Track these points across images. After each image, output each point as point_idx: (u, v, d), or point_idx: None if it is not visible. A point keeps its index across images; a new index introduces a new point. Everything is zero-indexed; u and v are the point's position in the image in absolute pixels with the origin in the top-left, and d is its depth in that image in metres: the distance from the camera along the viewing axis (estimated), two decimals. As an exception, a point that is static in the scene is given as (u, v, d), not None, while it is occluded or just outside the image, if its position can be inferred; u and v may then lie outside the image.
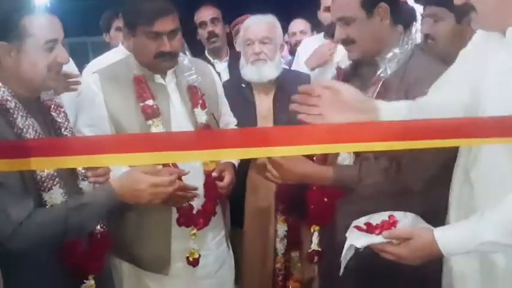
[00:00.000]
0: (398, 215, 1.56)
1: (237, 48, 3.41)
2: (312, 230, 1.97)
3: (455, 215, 1.55)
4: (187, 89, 2.08)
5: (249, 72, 2.52)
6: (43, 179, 1.58)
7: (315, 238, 1.96)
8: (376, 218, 1.56)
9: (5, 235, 1.49)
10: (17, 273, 1.59)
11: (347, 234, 1.54)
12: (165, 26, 1.91)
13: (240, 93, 2.56)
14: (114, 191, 1.69)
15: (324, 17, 3.40)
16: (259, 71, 2.49)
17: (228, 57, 3.33)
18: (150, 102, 1.98)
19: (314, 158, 1.90)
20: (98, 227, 1.78)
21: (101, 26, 3.63)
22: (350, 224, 1.66)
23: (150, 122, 1.96)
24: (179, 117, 2.05)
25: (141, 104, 1.97)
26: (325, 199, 1.86)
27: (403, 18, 1.84)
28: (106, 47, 3.54)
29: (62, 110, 1.78)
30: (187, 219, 1.99)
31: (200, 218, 2.02)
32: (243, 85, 2.58)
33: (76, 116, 2.02)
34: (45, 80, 1.64)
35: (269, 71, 2.48)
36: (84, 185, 1.75)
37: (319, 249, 1.96)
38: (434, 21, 2.08)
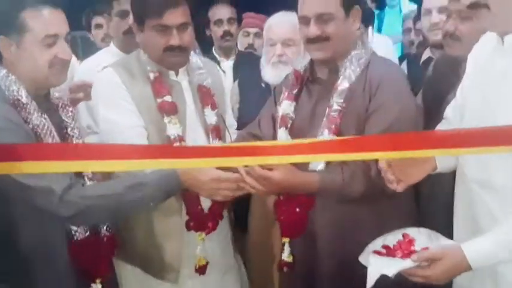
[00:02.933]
0: (411, 232, 1.52)
1: (239, 47, 3.46)
2: (282, 241, 1.90)
3: (460, 222, 1.58)
4: (198, 88, 2.03)
5: (268, 73, 2.48)
6: None
7: (286, 249, 1.89)
8: (391, 239, 1.52)
9: (53, 204, 1.53)
10: (27, 274, 1.58)
11: (363, 259, 1.49)
12: (174, 19, 1.86)
13: (259, 92, 2.51)
14: (178, 175, 1.66)
15: None
16: (280, 73, 2.39)
17: (234, 56, 3.33)
18: (168, 98, 1.92)
19: None
20: (104, 229, 1.75)
21: (83, 25, 3.62)
22: (329, 233, 1.76)
23: (167, 119, 1.91)
24: (192, 117, 2.00)
25: (159, 100, 1.92)
26: (297, 209, 1.80)
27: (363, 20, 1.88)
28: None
29: (70, 109, 1.79)
30: (198, 223, 1.91)
31: (209, 222, 1.95)
32: (263, 85, 2.53)
33: (97, 109, 1.96)
34: (47, 77, 1.62)
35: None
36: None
37: (290, 260, 1.89)
38: (462, 19, 1.82)
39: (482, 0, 1.42)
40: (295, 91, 1.93)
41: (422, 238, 1.50)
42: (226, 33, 3.31)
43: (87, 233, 1.69)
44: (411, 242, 1.49)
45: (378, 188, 1.70)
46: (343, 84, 1.78)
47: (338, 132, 1.75)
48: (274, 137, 1.93)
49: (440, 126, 1.67)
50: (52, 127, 1.63)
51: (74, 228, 1.67)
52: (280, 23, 2.46)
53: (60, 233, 1.65)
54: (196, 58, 2.08)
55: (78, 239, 1.67)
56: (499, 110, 1.40)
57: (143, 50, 1.99)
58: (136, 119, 1.90)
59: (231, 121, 2.30)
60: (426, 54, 2.71)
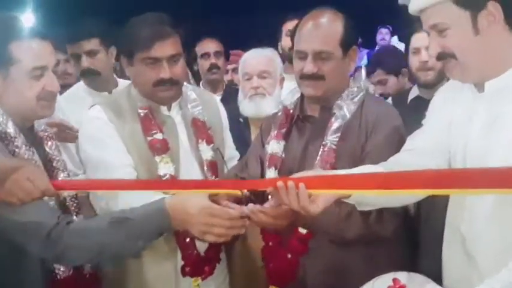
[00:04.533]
0: (402, 277, 1.43)
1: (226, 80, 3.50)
2: None
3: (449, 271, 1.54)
4: (192, 123, 1.93)
5: (246, 107, 2.48)
6: None
7: None
8: (380, 285, 1.43)
9: (40, 243, 1.43)
10: None
11: None
12: (163, 51, 1.78)
13: (237, 128, 2.44)
14: (165, 210, 1.44)
15: (286, 43, 3.28)
16: (257, 105, 2.43)
17: (222, 92, 3.32)
18: (159, 136, 1.82)
19: None
20: (88, 267, 1.67)
21: None
22: (320, 281, 1.68)
23: (158, 158, 1.80)
24: (186, 153, 1.89)
25: (150, 138, 1.81)
26: (288, 255, 1.71)
27: None
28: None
29: (55, 142, 1.72)
30: (194, 267, 1.78)
31: (205, 266, 1.81)
32: (241, 120, 2.53)
33: (84, 149, 1.86)
34: (35, 110, 1.57)
35: (268, 106, 2.37)
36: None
37: None
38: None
39: (447, 50, 1.39)
40: (284, 129, 1.87)
41: (414, 285, 1.41)
42: (213, 66, 3.32)
43: (71, 272, 1.60)
44: None
45: (375, 233, 1.64)
46: (337, 122, 1.74)
47: None
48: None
49: (408, 156, 1.58)
50: (39, 160, 1.58)
51: (57, 266, 1.59)
52: (255, 57, 2.51)
53: (41, 271, 1.56)
54: (190, 90, 2.00)
55: (61, 277, 1.59)
56: (492, 158, 1.36)
57: (133, 85, 1.90)
58: (124, 158, 1.79)
59: (233, 153, 2.19)
60: (414, 92, 2.67)
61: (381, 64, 3.06)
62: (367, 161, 1.65)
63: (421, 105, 2.07)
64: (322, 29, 1.73)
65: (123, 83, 2.54)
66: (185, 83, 1.99)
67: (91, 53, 2.53)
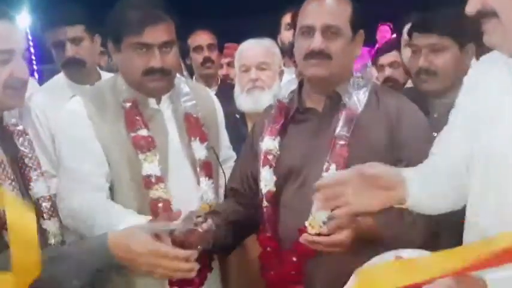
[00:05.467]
0: (406, 254, 1.26)
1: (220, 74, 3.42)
2: None
3: None
4: (184, 118, 1.79)
5: (244, 101, 2.34)
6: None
7: None
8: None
9: None
10: None
11: None
12: (155, 36, 1.64)
13: (232, 124, 2.31)
14: (108, 246, 1.31)
15: (285, 36, 3.25)
16: (256, 100, 2.29)
17: (217, 87, 3.22)
18: (143, 132, 1.68)
19: None
20: None
21: None
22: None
23: (142, 156, 1.65)
24: (177, 152, 1.75)
25: (133, 135, 1.67)
26: (294, 258, 1.60)
27: None
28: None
29: (27, 137, 1.58)
30: (183, 278, 1.61)
31: (195, 277, 1.62)
32: (237, 115, 2.39)
33: (60, 146, 1.75)
34: (1, 99, 1.42)
35: (266, 101, 2.19)
36: (47, 224, 1.54)
37: None
38: (432, 52, 1.87)
39: (488, 7, 1.15)
40: (279, 125, 1.73)
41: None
42: (207, 60, 3.23)
43: None
44: None
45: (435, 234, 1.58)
46: (349, 111, 1.63)
47: (346, 167, 1.55)
48: (257, 189, 1.72)
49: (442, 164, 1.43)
50: (4, 157, 1.45)
51: None
52: (253, 47, 2.38)
53: None
54: (183, 83, 1.84)
55: None
56: None
57: (121, 74, 1.75)
58: (97, 167, 1.66)
59: (229, 153, 2.05)
60: (409, 85, 2.59)
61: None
62: (405, 156, 1.58)
63: (415, 95, 1.95)
64: (331, 4, 1.65)
65: (106, 76, 2.40)
66: (178, 75, 1.84)
67: (75, 41, 2.35)
